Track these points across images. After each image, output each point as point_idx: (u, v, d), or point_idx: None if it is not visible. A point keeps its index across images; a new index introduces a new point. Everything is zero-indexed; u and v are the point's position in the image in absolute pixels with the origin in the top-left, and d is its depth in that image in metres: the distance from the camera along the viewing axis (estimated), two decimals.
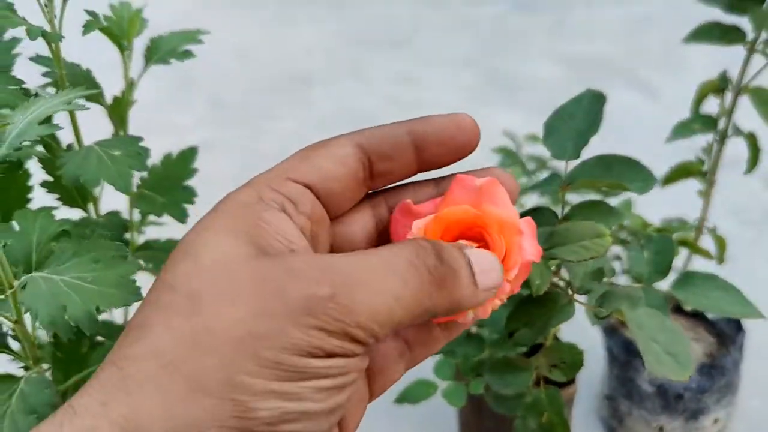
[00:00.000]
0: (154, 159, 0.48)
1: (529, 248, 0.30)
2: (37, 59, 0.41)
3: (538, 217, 0.38)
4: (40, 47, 0.41)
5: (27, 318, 0.33)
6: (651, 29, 1.85)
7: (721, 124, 0.73)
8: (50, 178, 0.45)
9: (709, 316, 0.84)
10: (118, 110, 0.45)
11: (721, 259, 0.78)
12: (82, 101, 0.33)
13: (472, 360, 0.63)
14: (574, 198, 0.41)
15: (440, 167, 0.31)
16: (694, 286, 0.44)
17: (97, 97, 0.45)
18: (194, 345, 0.23)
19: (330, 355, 0.24)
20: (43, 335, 0.48)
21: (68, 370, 0.42)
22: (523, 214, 0.33)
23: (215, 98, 1.67)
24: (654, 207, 0.91)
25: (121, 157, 0.38)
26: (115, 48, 0.46)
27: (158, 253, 0.48)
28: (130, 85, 0.46)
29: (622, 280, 0.66)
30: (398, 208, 0.31)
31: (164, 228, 0.51)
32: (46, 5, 0.38)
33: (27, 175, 0.41)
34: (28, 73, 0.41)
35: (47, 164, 0.45)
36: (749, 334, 0.81)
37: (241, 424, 0.23)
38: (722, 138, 0.73)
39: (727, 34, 0.68)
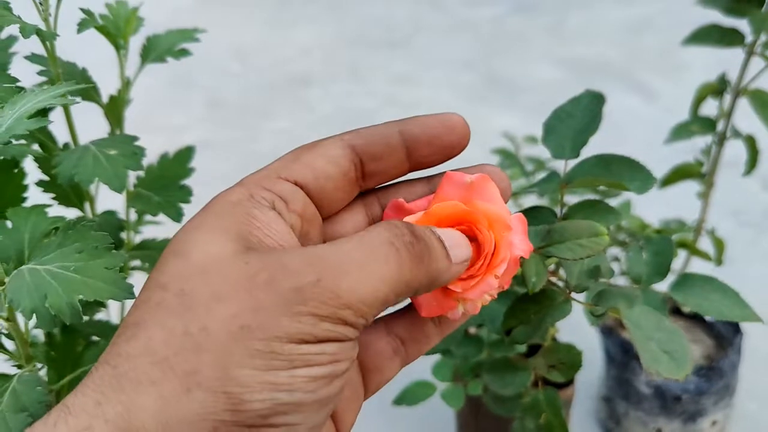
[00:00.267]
0: (152, 158, 0.48)
1: (519, 244, 0.30)
2: (33, 58, 0.41)
3: (537, 216, 0.38)
4: (38, 46, 0.41)
5: (21, 317, 0.33)
6: (650, 31, 1.85)
7: (720, 126, 0.73)
8: (46, 178, 0.45)
9: (707, 318, 0.84)
10: (114, 109, 0.45)
11: (719, 261, 0.78)
12: (71, 96, 0.33)
13: (470, 361, 0.63)
14: (572, 200, 0.41)
15: (432, 167, 0.31)
16: (693, 288, 0.44)
17: (93, 96, 0.45)
18: (187, 342, 0.23)
19: (321, 340, 0.24)
20: (39, 334, 0.48)
21: (62, 369, 0.42)
22: (522, 213, 0.33)
23: (213, 98, 1.67)
24: (652, 208, 0.91)
25: (116, 156, 0.38)
26: (111, 46, 0.46)
27: (154, 253, 0.48)
28: (126, 83, 0.46)
29: (621, 282, 0.66)
30: (390, 206, 0.31)
31: (161, 227, 0.51)
32: (41, 3, 0.38)
33: (22, 174, 0.41)
34: (24, 71, 0.41)
35: (43, 163, 0.44)
36: (747, 337, 0.81)
37: (235, 417, 0.23)
38: (721, 140, 0.73)
39: (726, 37, 0.68)
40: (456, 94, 1.66)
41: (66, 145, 0.44)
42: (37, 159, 0.44)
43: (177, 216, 0.44)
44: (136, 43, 0.46)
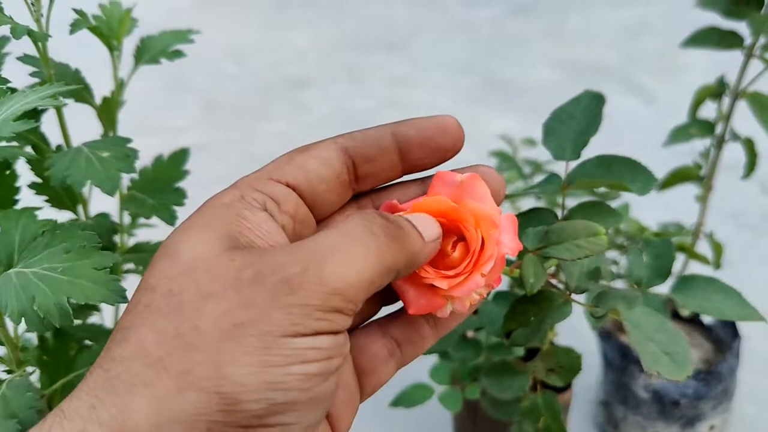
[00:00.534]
0: (148, 161, 0.48)
1: (508, 242, 0.30)
2: (25, 59, 0.41)
3: (537, 217, 0.38)
4: (31, 47, 0.41)
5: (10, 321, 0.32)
6: (648, 33, 1.85)
7: (719, 129, 0.73)
8: (39, 180, 0.44)
9: (706, 322, 0.83)
10: (108, 111, 0.44)
11: (717, 265, 0.78)
12: (61, 97, 0.33)
13: (468, 364, 0.63)
14: (571, 203, 0.41)
15: (425, 169, 0.31)
16: (695, 290, 0.43)
17: (86, 97, 0.44)
18: (179, 342, 0.23)
19: (314, 332, 0.24)
20: (32, 338, 0.47)
21: (55, 373, 0.41)
22: (521, 215, 0.33)
23: (209, 100, 1.66)
24: (651, 211, 0.90)
25: (109, 158, 0.37)
26: (105, 48, 0.45)
27: (148, 256, 0.47)
28: (120, 85, 0.45)
29: (620, 286, 0.66)
30: (383, 207, 0.31)
31: (155, 230, 0.51)
32: (32, 4, 0.37)
33: (14, 177, 0.41)
34: (17, 73, 0.41)
35: (35, 165, 0.44)
36: (746, 341, 0.81)
37: (229, 418, 0.23)
38: (720, 143, 0.73)
39: (725, 39, 0.68)
40: (454, 96, 1.66)
41: (59, 147, 0.44)
42: (29, 161, 0.43)
43: (170, 219, 0.43)
44: (130, 44, 0.46)
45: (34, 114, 0.42)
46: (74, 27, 0.40)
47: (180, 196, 0.45)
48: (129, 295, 0.29)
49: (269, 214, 0.28)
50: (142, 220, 0.50)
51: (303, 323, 0.24)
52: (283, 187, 0.29)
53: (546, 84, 1.66)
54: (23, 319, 0.29)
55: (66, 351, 0.42)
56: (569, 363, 0.46)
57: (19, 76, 0.40)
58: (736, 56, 0.69)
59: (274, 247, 0.27)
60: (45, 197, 0.45)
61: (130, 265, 0.49)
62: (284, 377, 0.23)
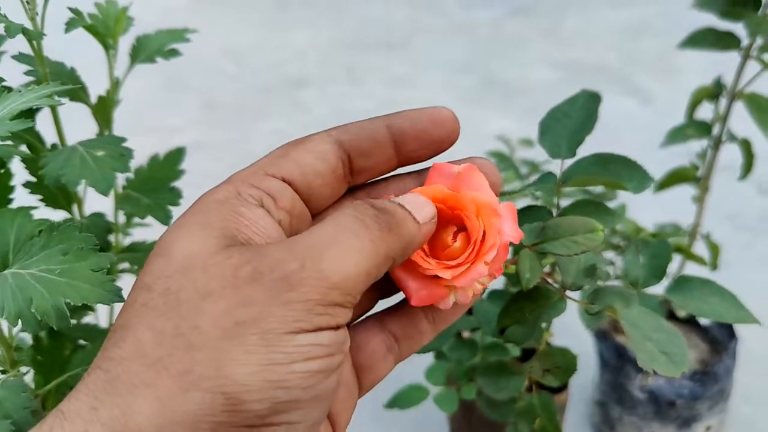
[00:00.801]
0: (143, 160, 0.48)
1: (509, 231, 0.30)
2: (20, 57, 0.41)
3: (533, 215, 0.37)
4: (26, 45, 0.41)
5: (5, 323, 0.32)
6: (646, 34, 1.85)
7: (716, 130, 0.73)
8: (33, 179, 0.44)
9: (702, 323, 0.83)
10: (103, 110, 0.44)
11: (714, 266, 0.78)
12: (58, 96, 0.33)
13: (464, 364, 0.62)
14: (567, 204, 0.41)
15: (420, 161, 0.31)
16: (691, 291, 0.43)
17: (81, 96, 0.44)
18: (179, 342, 0.23)
19: (315, 327, 0.24)
20: (26, 338, 0.47)
21: (49, 374, 0.41)
22: (517, 212, 0.33)
23: (207, 99, 1.66)
24: (647, 212, 0.90)
25: (104, 157, 0.37)
26: (101, 46, 0.45)
27: (143, 256, 0.47)
28: (115, 84, 0.45)
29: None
30: None
31: (150, 230, 0.51)
32: (27, 2, 0.37)
33: (9, 175, 0.40)
34: (12, 71, 0.41)
35: (30, 164, 0.44)
36: (742, 342, 0.81)
37: (233, 418, 0.23)
38: (716, 144, 0.73)
39: (722, 40, 0.68)
40: (453, 96, 1.66)
41: (54, 146, 0.44)
42: (24, 160, 0.43)
43: (166, 219, 0.43)
44: (125, 43, 0.46)
45: (30, 113, 0.41)
46: (70, 26, 0.39)
47: (175, 196, 0.45)
48: (124, 294, 0.29)
49: (266, 211, 0.27)
50: (137, 220, 0.50)
51: (305, 319, 0.24)
52: (279, 183, 0.28)
53: (545, 84, 1.66)
54: (20, 320, 0.29)
55: (60, 351, 0.42)
56: (565, 363, 0.46)
57: (14, 74, 0.40)
58: (733, 57, 0.69)
59: (270, 243, 0.27)
60: (40, 196, 0.45)
61: (126, 265, 0.49)
62: (287, 375, 0.23)
